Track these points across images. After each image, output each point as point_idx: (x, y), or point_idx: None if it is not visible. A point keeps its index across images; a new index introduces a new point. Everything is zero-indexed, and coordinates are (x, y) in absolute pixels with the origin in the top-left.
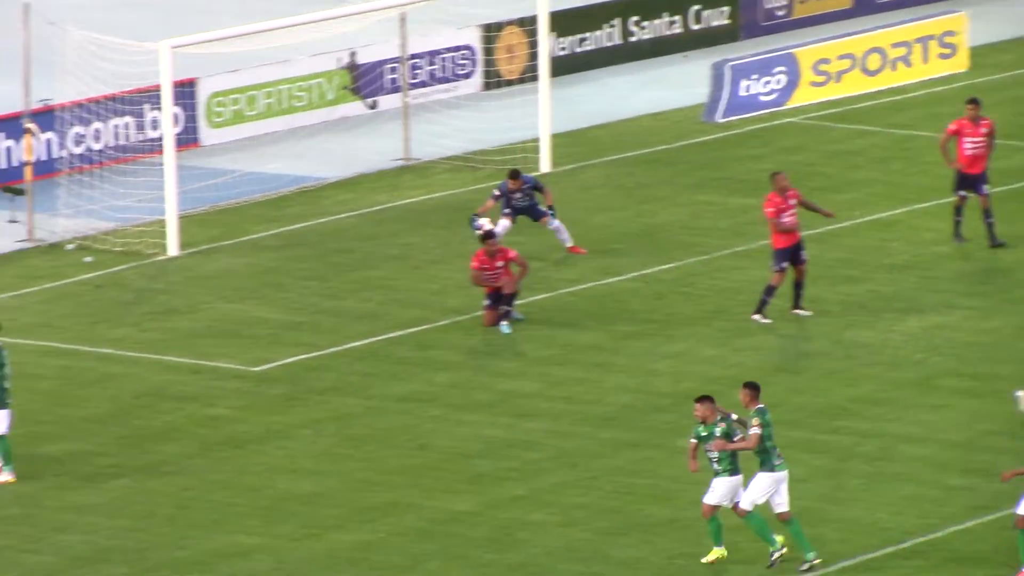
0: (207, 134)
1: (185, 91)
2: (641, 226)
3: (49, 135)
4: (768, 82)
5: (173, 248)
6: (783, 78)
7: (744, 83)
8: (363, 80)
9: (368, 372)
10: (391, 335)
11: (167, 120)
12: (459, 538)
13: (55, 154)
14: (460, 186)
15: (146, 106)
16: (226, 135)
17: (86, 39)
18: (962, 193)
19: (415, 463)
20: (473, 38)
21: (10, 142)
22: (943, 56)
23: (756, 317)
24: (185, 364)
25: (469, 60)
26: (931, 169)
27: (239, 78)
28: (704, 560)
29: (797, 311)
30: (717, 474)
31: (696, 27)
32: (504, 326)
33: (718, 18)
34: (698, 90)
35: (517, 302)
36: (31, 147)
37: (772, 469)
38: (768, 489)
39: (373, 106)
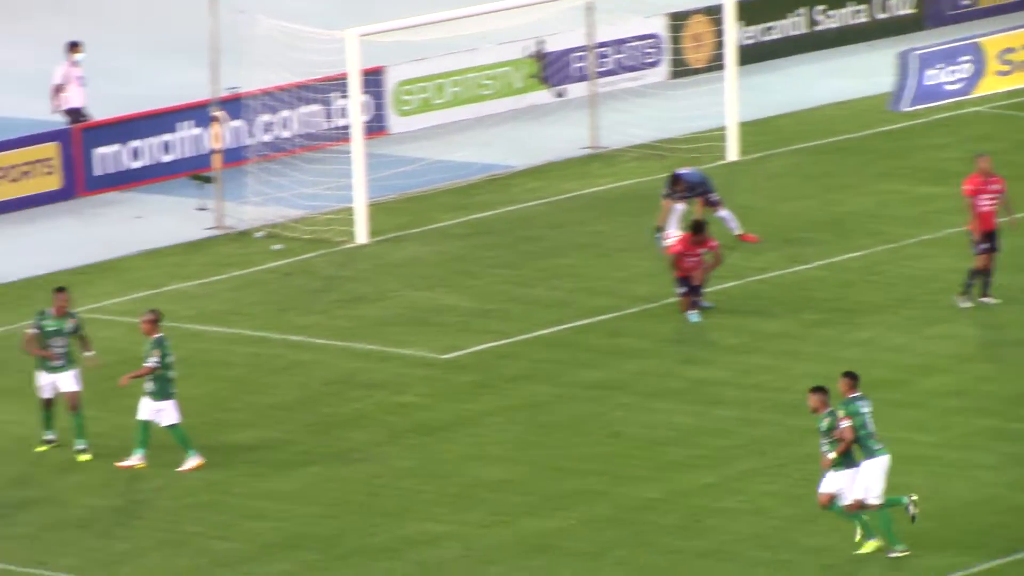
0: (395, 122)
1: (373, 79)
2: (828, 215)
3: (238, 123)
4: (954, 71)
5: (362, 236)
6: (969, 67)
7: (930, 72)
8: (551, 69)
9: (558, 360)
10: (580, 323)
11: (355, 108)
12: (648, 525)
13: (243, 142)
14: (648, 174)
15: (334, 94)
16: (414, 123)
17: (275, 27)
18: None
19: (605, 451)
20: (660, 27)
21: (199, 130)
22: None
23: (958, 299)
24: (374, 351)
25: (656, 49)
26: None
27: (427, 66)
28: (859, 552)
29: (985, 299)
30: (831, 467)
31: (881, 16)
32: (693, 314)
33: (903, 7)
34: (883, 79)
35: (706, 290)
36: (219, 135)
37: (872, 455)
38: (879, 476)
39: (561, 94)
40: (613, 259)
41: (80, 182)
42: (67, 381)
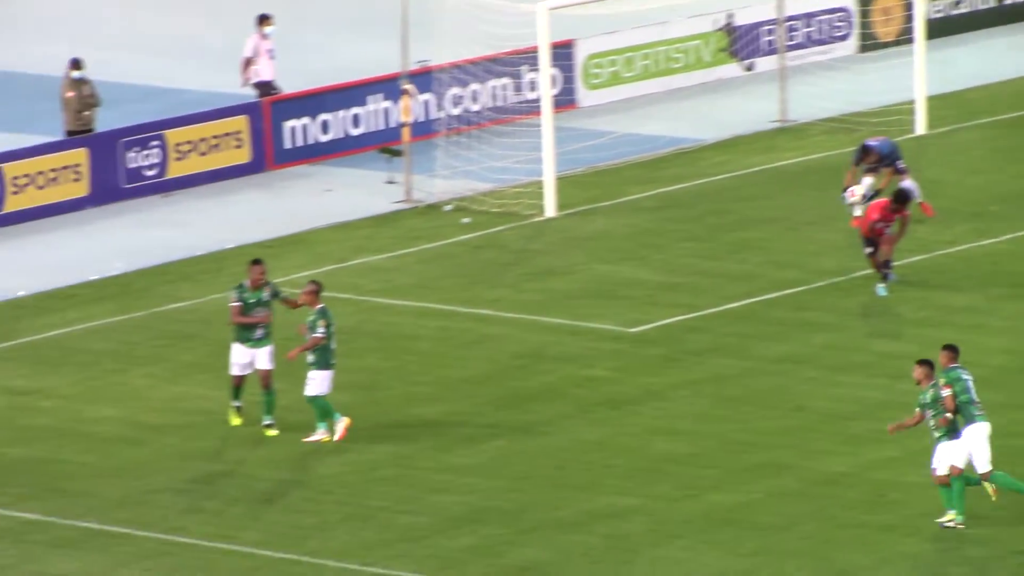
0: (584, 95)
1: (562, 52)
2: (1016, 188)
3: (427, 96)
4: None
5: (550, 209)
6: None
7: None
8: (740, 42)
9: (744, 333)
10: (767, 296)
11: (545, 82)
12: (834, 499)
13: (432, 115)
14: (836, 148)
15: (524, 67)
16: (603, 97)
17: (465, 1)
18: None
19: (791, 424)
20: (849, 1)
21: (388, 103)
22: None
23: None
24: (562, 325)
25: (845, 22)
26: None
27: (616, 40)
28: (941, 523)
29: None
30: (938, 439)
31: None
32: (880, 288)
33: None
34: None
35: (893, 263)
36: (409, 108)
37: (973, 420)
38: (982, 440)
39: (750, 68)
40: (800, 232)
41: (269, 155)
42: (263, 358)
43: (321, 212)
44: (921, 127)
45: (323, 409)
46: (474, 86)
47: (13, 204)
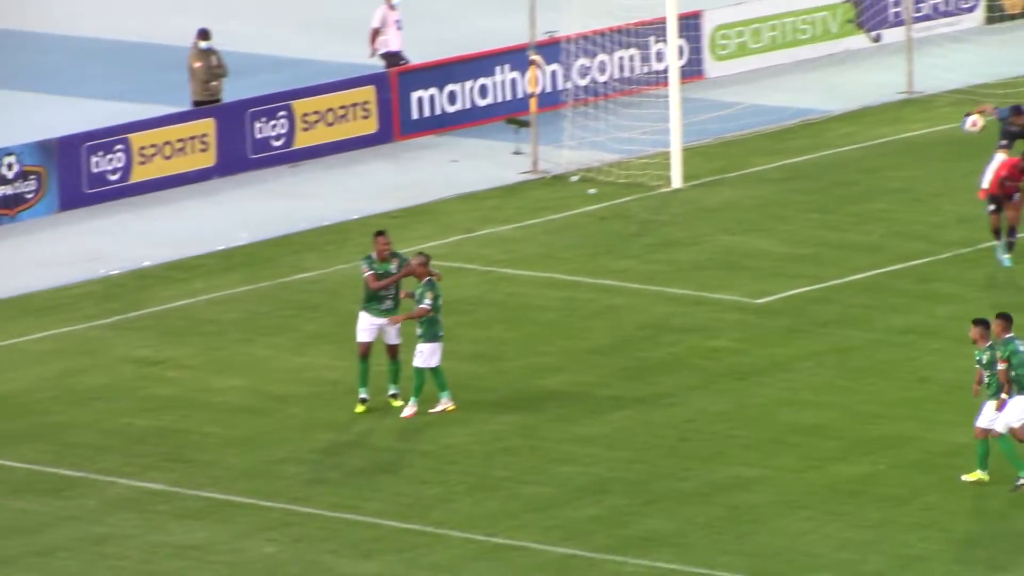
0: (711, 67)
1: (690, 24)
2: None
3: (554, 67)
4: None
5: (677, 180)
6: None
7: None
8: (867, 14)
9: (869, 304)
10: (892, 268)
11: (672, 53)
12: (956, 471)
13: (560, 86)
14: (962, 120)
15: (651, 38)
16: (730, 68)
17: None
18: None
19: (915, 395)
20: None
21: (515, 74)
22: None
23: None
24: (687, 296)
25: None
26: None
27: (744, 11)
28: (963, 478)
29: None
30: (989, 397)
31: None
32: (1006, 259)
33: None
34: None
35: (1020, 234)
36: (536, 79)
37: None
38: (1020, 412)
39: (877, 39)
40: (926, 204)
41: (396, 126)
42: (391, 331)
43: (447, 183)
44: None
45: (423, 383)
46: (601, 57)
47: (140, 174)
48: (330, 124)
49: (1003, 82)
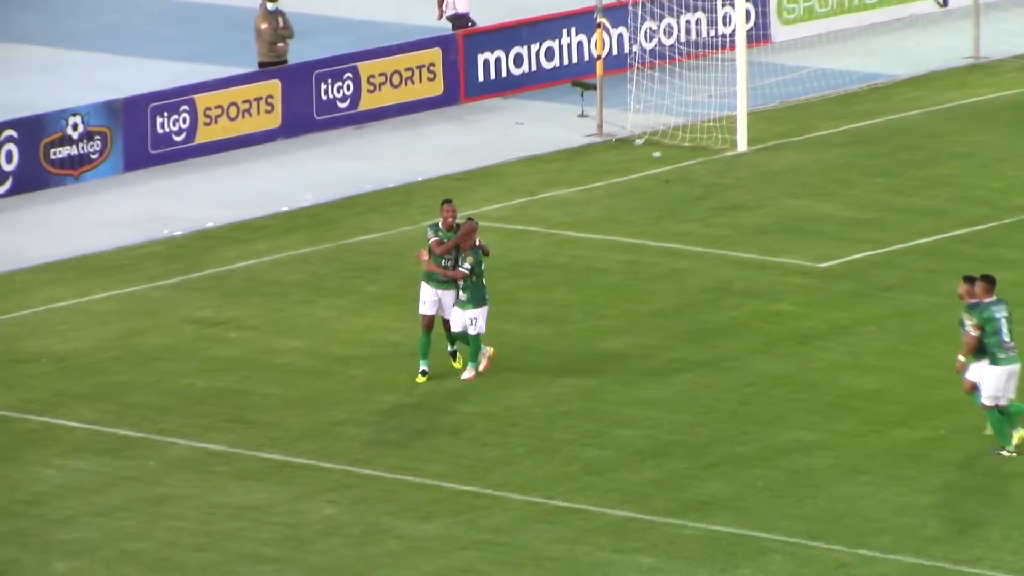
0: (778, 31)
1: None
2: None
3: (620, 30)
4: None
5: (742, 144)
6: None
7: None
8: None
9: (933, 269)
10: (957, 232)
11: (740, 16)
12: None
13: (626, 49)
14: None
15: (718, 2)
16: (796, 32)
17: None
18: None
19: None
20: None
21: (581, 37)
22: None
23: None
24: (751, 260)
25: None
26: None
27: None
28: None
29: None
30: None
31: None
32: None
33: None
34: None
35: None
36: (602, 42)
37: (996, 363)
38: (996, 382)
39: (944, 4)
40: (991, 169)
41: (462, 88)
42: (449, 302)
43: (512, 145)
44: None
45: (479, 348)
46: (668, 20)
47: (205, 135)
48: (395, 86)
49: None
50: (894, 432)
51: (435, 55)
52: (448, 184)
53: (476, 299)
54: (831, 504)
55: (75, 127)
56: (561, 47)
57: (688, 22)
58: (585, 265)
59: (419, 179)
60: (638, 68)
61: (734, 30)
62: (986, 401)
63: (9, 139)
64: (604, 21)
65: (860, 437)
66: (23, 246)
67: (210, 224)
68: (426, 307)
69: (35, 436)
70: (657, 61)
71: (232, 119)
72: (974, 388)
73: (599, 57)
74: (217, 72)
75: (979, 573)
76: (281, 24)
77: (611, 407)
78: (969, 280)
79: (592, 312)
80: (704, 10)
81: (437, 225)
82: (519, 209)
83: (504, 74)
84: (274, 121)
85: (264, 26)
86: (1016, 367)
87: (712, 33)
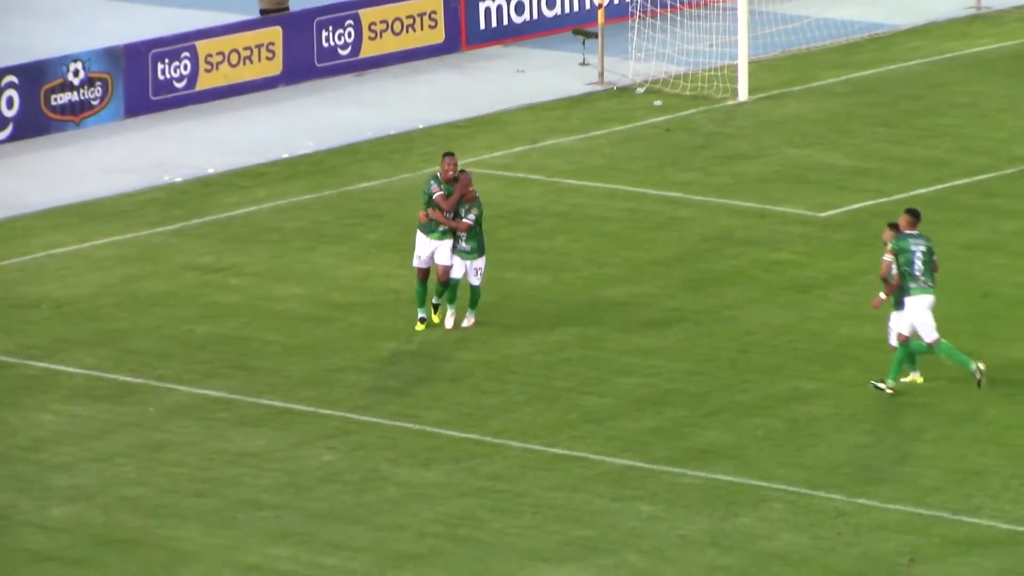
0: None
1: None
2: None
3: None
4: None
5: (743, 93)
6: None
7: None
8: None
9: (934, 219)
10: (957, 182)
11: None
12: (1019, 386)
13: None
14: None
15: None
16: None
17: None
18: None
19: (977, 310)
20: None
21: None
22: None
23: None
24: (751, 209)
25: None
26: None
27: None
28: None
29: None
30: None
31: None
32: None
33: None
34: None
35: None
36: None
37: (907, 294)
38: (914, 314)
39: None
40: (991, 119)
41: (463, 36)
42: (444, 253)
43: (513, 93)
44: None
45: (479, 296)
46: None
47: (206, 82)
48: (397, 33)
49: None
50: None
51: (436, 2)
52: (449, 132)
53: (480, 248)
54: (831, 453)
55: (76, 73)
56: None
57: None
58: (585, 213)
59: (420, 127)
60: (640, 16)
61: None
62: (904, 332)
63: (10, 85)
64: None
65: (860, 386)
66: (23, 192)
67: (211, 171)
68: (421, 261)
69: (34, 382)
70: (659, 9)
71: (233, 66)
72: (906, 341)
73: (600, 5)
74: (219, 19)
75: (978, 523)
76: None
77: (611, 355)
78: (893, 226)
79: (592, 260)
80: None
81: (438, 176)
82: (520, 157)
83: (505, 22)
84: (275, 68)
85: None
86: (928, 298)
87: None
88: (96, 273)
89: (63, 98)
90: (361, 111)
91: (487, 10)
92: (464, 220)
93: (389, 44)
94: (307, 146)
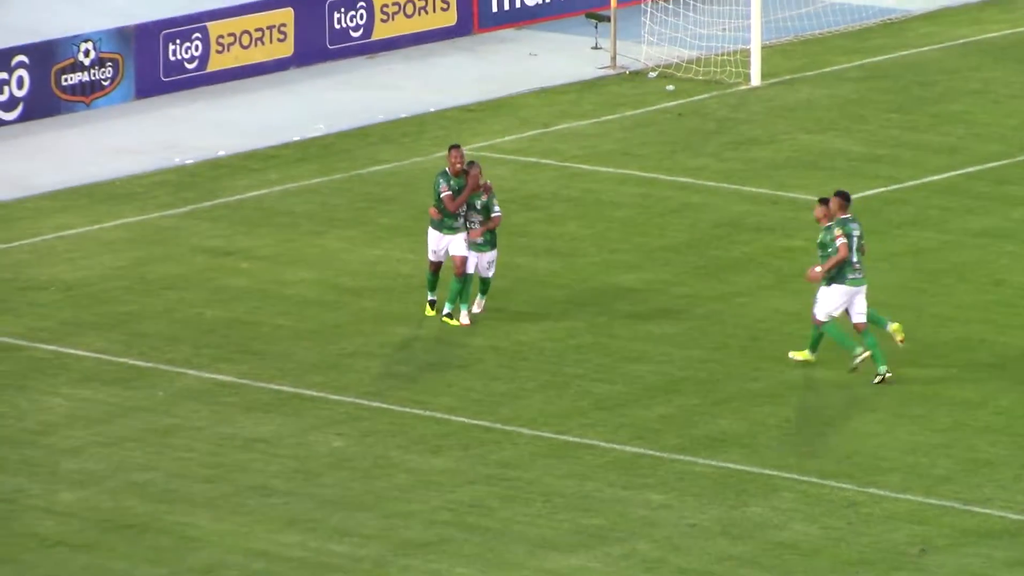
0: None
1: None
2: None
3: None
4: None
5: (755, 78)
6: None
7: None
8: None
9: (945, 206)
10: (970, 169)
11: None
12: None
13: None
14: None
15: None
16: None
17: None
18: None
19: (989, 298)
20: None
21: None
22: None
23: None
24: (763, 195)
25: None
26: None
27: None
28: (791, 355)
29: None
30: (824, 283)
31: None
32: None
33: None
34: None
35: None
36: None
37: (844, 282)
38: (838, 300)
39: None
40: (1004, 106)
41: (475, 19)
42: (458, 244)
43: (525, 77)
44: None
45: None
46: None
47: (217, 63)
48: (409, 16)
49: None
50: (905, 370)
51: None
52: (461, 115)
53: (493, 241)
54: (841, 442)
55: (87, 53)
56: None
57: None
58: (597, 198)
59: (431, 110)
60: (652, 1)
61: None
62: (820, 316)
63: (20, 65)
64: None
65: (871, 375)
66: (33, 173)
67: (221, 153)
68: (436, 256)
69: (43, 365)
70: None
71: (245, 47)
72: (820, 325)
73: None
74: (230, 0)
75: (989, 513)
76: None
77: (622, 342)
78: (824, 202)
79: (604, 246)
80: None
81: (446, 172)
82: (532, 141)
83: (518, 5)
84: (287, 50)
85: None
86: (863, 288)
87: None
88: (106, 255)
89: (74, 78)
90: (372, 94)
91: None
92: (493, 216)
93: (401, 26)
94: (318, 129)
